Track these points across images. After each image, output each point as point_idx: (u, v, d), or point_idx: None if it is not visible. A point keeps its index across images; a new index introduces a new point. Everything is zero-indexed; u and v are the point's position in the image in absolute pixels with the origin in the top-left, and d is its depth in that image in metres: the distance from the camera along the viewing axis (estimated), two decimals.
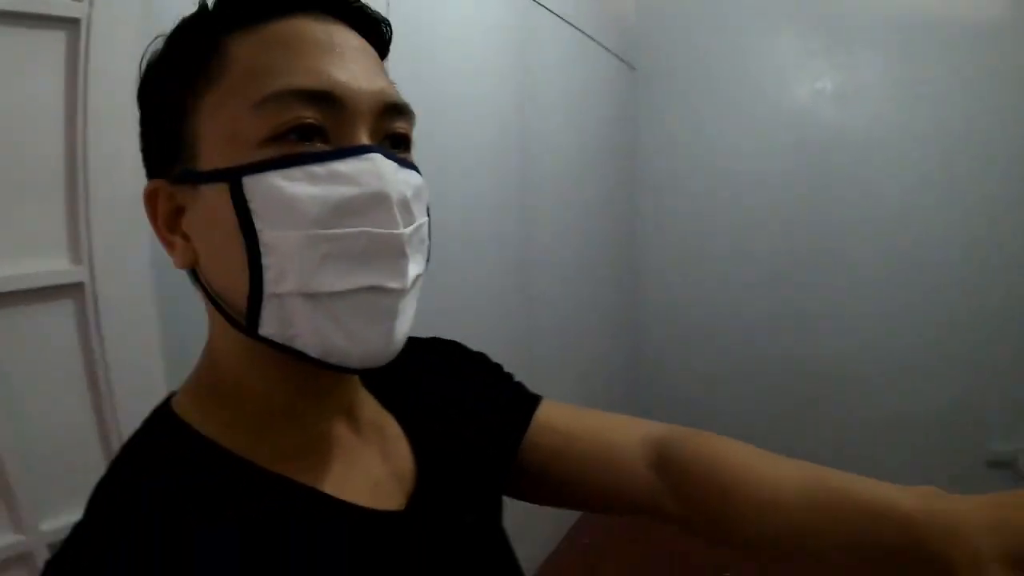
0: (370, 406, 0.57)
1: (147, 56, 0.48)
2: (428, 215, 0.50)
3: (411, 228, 0.45)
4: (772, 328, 2.92)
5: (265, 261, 0.41)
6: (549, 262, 2.19)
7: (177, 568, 0.39)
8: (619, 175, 2.81)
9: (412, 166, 0.48)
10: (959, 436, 2.59)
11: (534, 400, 0.68)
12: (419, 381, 0.60)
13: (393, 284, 0.43)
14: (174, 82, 0.45)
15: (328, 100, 0.43)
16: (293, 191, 0.41)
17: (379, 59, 0.49)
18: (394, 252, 0.43)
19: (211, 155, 0.44)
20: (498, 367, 0.72)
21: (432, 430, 0.59)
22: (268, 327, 0.43)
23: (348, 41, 0.46)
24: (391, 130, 0.47)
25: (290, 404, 0.49)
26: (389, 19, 0.52)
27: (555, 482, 0.65)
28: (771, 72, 2.79)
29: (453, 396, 0.64)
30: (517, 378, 0.72)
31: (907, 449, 2.65)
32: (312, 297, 0.42)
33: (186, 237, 0.46)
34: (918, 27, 2.52)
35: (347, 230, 0.42)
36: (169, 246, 0.47)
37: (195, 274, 0.47)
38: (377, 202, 0.42)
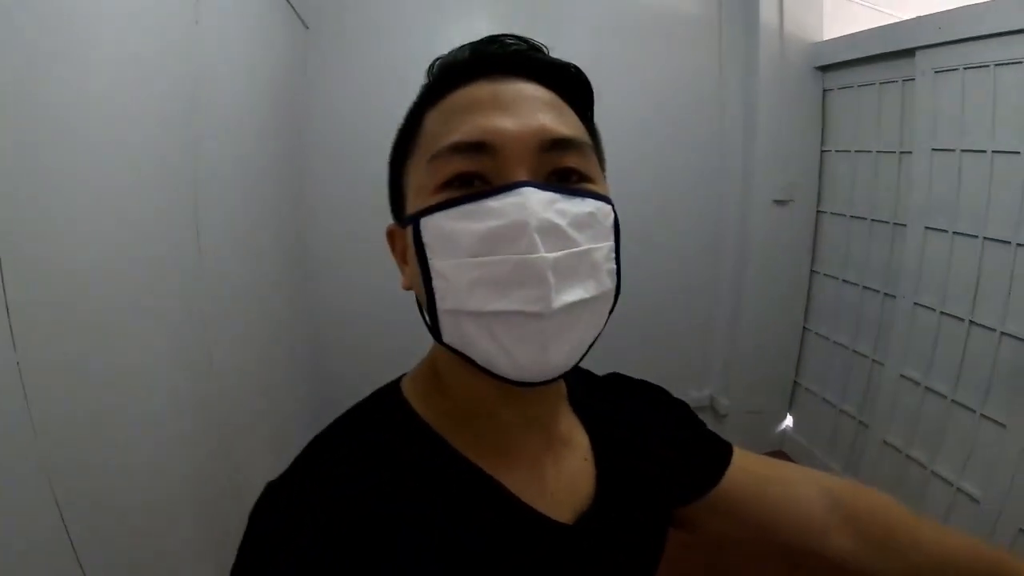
0: (568, 423, 0.66)
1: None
2: (616, 239, 0.55)
3: (561, 253, 0.49)
4: None
5: (435, 284, 0.50)
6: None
7: (380, 518, 0.49)
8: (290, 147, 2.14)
9: (583, 194, 0.52)
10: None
11: (729, 447, 0.78)
12: (620, 414, 0.68)
13: (534, 308, 0.48)
14: (398, 152, 0.60)
15: (481, 148, 0.51)
16: (452, 227, 0.49)
17: (555, 100, 0.55)
18: (535, 277, 0.47)
19: (410, 204, 0.55)
20: (695, 417, 0.80)
21: (618, 461, 0.66)
22: (448, 336, 0.52)
23: (516, 92, 0.53)
24: (557, 165, 0.53)
25: (489, 407, 0.57)
26: (573, 63, 0.59)
27: (744, 519, 0.75)
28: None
29: (647, 435, 0.71)
30: None
31: None
32: (472, 315, 0.49)
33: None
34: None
35: (494, 257, 0.48)
36: (402, 272, 0.59)
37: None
38: (518, 230, 0.47)
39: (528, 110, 0.52)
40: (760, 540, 0.76)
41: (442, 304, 0.50)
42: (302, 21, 2.19)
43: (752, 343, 2.84)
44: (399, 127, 0.60)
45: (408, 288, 0.58)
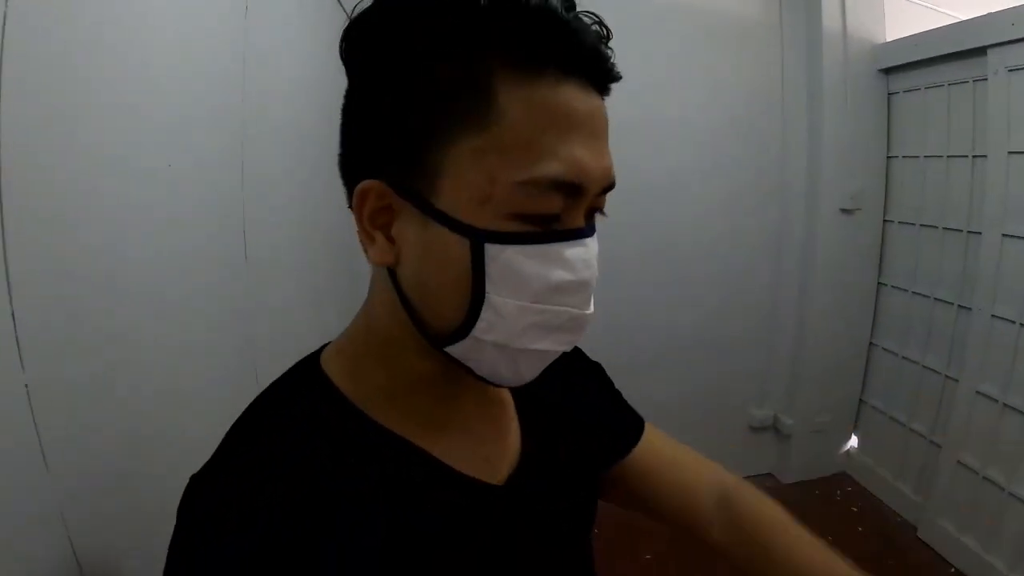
0: (496, 388, 0.63)
1: (376, 29, 0.48)
2: None
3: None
4: None
5: (483, 315, 0.47)
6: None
7: (308, 500, 0.46)
8: None
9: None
10: (723, 410, 2.83)
11: (641, 423, 0.80)
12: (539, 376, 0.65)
13: (565, 349, 0.51)
14: (429, 99, 0.45)
15: (576, 190, 0.47)
16: (524, 267, 0.46)
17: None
18: (581, 329, 0.50)
19: (454, 200, 0.46)
20: (610, 382, 0.81)
21: (541, 420, 0.66)
22: (455, 351, 0.50)
23: (600, 118, 0.49)
24: (598, 205, 0.51)
25: (433, 378, 0.55)
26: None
27: (640, 495, 0.78)
28: None
29: (566, 395, 0.72)
30: None
31: (680, 432, 2.71)
32: (504, 347, 0.49)
33: (390, 239, 0.50)
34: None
35: (555, 308, 0.48)
36: (368, 239, 0.50)
37: (389, 269, 0.51)
38: (582, 288, 0.49)
39: (605, 145, 0.49)
40: (646, 517, 0.80)
41: (483, 335, 0.48)
42: (346, 12, 2.22)
43: (816, 359, 2.71)
44: (418, 36, 0.46)
45: (383, 265, 0.51)
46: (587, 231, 0.49)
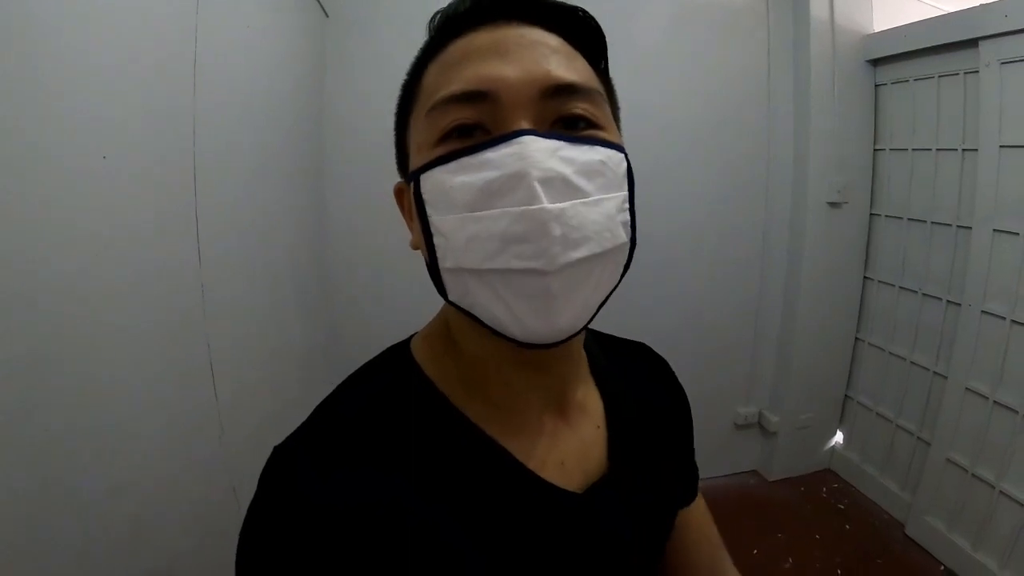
0: (585, 388, 0.63)
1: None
2: (631, 189, 0.53)
3: (567, 204, 0.45)
4: None
5: (436, 241, 0.48)
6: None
7: (388, 487, 0.48)
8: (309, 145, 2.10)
9: (590, 141, 0.49)
10: (708, 407, 2.77)
11: (697, 480, 0.78)
12: (639, 391, 0.66)
13: (535, 264, 0.45)
14: (402, 109, 0.57)
15: (481, 97, 0.47)
16: (451, 181, 0.47)
17: (563, 46, 0.51)
18: (537, 230, 0.44)
19: (413, 161, 0.53)
20: (692, 435, 0.78)
21: (631, 429, 0.64)
22: (452, 294, 0.50)
23: (519, 38, 0.49)
24: (563, 112, 0.49)
25: (500, 371, 0.56)
26: (581, 7, 0.53)
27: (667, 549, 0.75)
28: None
29: (659, 408, 0.71)
30: None
31: None
32: (473, 273, 0.47)
33: None
34: None
35: (490, 211, 0.45)
36: (411, 231, 0.56)
37: None
38: (517, 180, 0.44)
39: (531, 56, 0.49)
40: None
41: (443, 262, 0.49)
42: (323, 9, 2.13)
43: (802, 354, 2.68)
44: (403, 83, 0.57)
45: (416, 247, 0.54)
46: (521, 132, 0.46)
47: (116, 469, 0.85)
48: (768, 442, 2.78)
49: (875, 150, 2.54)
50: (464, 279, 0.48)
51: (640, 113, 2.45)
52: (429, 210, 0.48)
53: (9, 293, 0.68)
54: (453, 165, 0.47)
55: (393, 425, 0.51)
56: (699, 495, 0.78)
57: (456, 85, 0.48)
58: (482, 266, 0.46)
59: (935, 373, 2.27)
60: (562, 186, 0.45)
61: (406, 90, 0.56)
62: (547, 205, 0.44)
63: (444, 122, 0.48)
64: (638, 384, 0.70)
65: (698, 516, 0.77)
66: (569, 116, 0.49)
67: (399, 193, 0.58)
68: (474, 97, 0.48)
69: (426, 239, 0.49)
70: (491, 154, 0.46)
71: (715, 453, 2.80)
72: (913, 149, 2.35)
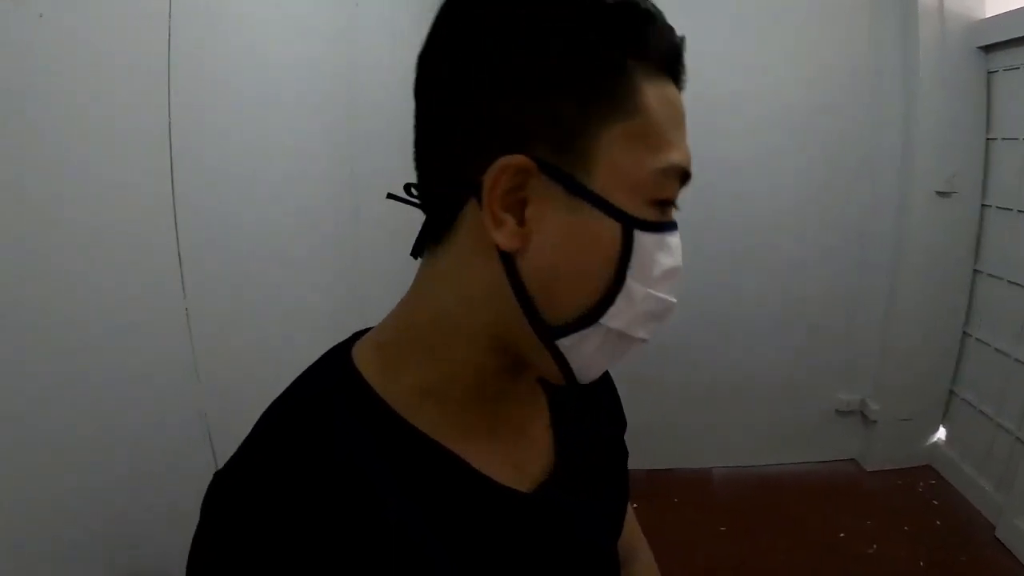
0: (532, 388, 0.64)
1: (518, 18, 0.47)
2: None
3: None
4: None
5: (616, 300, 0.48)
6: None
7: (339, 504, 0.45)
8: None
9: None
10: (809, 391, 2.82)
11: (627, 494, 0.77)
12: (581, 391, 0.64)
13: (648, 337, 0.52)
14: (585, 86, 0.46)
15: (687, 178, 0.51)
16: (655, 254, 0.48)
17: None
18: (668, 319, 0.52)
19: (607, 184, 0.47)
20: (625, 445, 0.78)
21: (573, 425, 0.65)
22: (565, 342, 0.50)
23: None
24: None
25: (485, 376, 0.54)
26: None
27: None
28: None
29: (595, 402, 0.72)
30: None
31: (762, 410, 2.84)
32: (619, 335, 0.50)
33: (521, 222, 0.47)
34: None
35: (664, 296, 0.50)
36: (496, 221, 0.47)
37: (504, 256, 0.48)
38: (678, 273, 0.51)
39: None
40: None
41: (608, 321, 0.49)
42: None
43: (906, 345, 2.65)
44: (560, 27, 0.46)
45: (513, 250, 0.48)
46: (676, 226, 0.51)
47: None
48: (869, 431, 2.78)
49: (987, 139, 2.43)
50: (600, 338, 0.50)
51: (742, 100, 2.56)
52: (629, 272, 0.48)
53: None
54: (658, 237, 0.49)
55: (341, 445, 0.48)
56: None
57: (684, 159, 0.49)
58: (636, 335, 0.50)
59: None
60: None
61: (601, 76, 0.46)
62: (675, 300, 0.51)
63: (669, 190, 0.49)
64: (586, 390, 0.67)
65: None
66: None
67: (502, 173, 0.46)
68: (686, 179, 0.50)
69: (607, 294, 0.48)
70: (672, 240, 0.50)
71: (813, 437, 2.84)
72: None
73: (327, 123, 1.40)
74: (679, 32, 0.51)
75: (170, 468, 0.93)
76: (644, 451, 2.83)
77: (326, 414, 0.50)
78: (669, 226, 0.50)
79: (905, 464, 2.72)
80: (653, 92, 0.47)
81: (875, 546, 2.27)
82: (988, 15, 2.34)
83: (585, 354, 0.50)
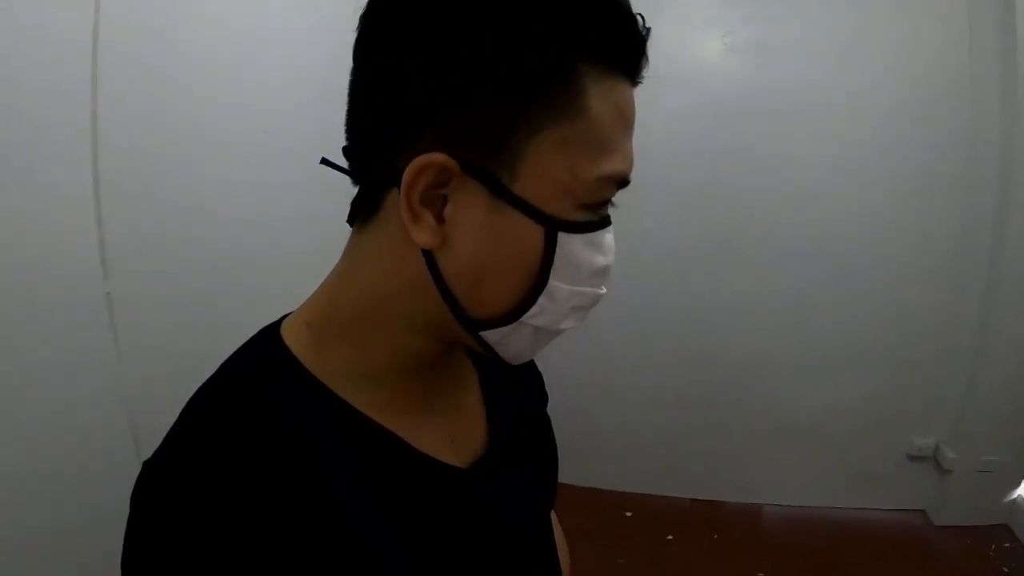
0: (464, 364, 0.65)
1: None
2: None
3: None
4: (667, 320, 2.68)
5: (539, 300, 0.48)
6: None
7: (275, 486, 0.44)
8: None
9: None
10: (879, 430, 2.60)
11: (556, 475, 0.78)
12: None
13: (577, 326, 0.53)
14: (520, 85, 0.44)
15: (626, 184, 0.50)
16: (581, 255, 0.48)
17: None
18: (593, 307, 0.53)
19: (534, 188, 0.45)
20: (549, 422, 0.79)
21: (506, 400, 0.67)
22: (490, 336, 0.51)
23: None
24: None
25: (420, 358, 0.54)
26: None
27: None
28: (675, 22, 2.37)
29: (523, 377, 0.73)
30: None
31: (826, 446, 2.64)
32: (541, 329, 0.51)
33: (440, 219, 0.46)
34: None
35: (590, 290, 0.51)
36: (413, 217, 0.46)
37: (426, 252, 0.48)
38: (609, 271, 0.52)
39: None
40: None
41: (532, 319, 0.49)
42: None
43: (996, 385, 2.39)
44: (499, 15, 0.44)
45: (431, 248, 0.47)
46: (610, 220, 0.51)
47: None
48: (942, 481, 2.55)
49: None
50: (524, 332, 0.51)
51: (821, 102, 2.39)
52: (553, 274, 0.48)
53: None
54: (587, 238, 0.48)
55: (274, 426, 0.47)
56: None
57: (625, 167, 0.48)
58: (557, 327, 0.51)
59: None
60: None
61: (539, 75, 0.44)
62: (604, 291, 0.53)
63: (606, 196, 0.49)
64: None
65: None
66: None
67: (422, 170, 0.44)
68: (624, 184, 0.50)
69: (529, 294, 0.48)
70: (605, 238, 0.50)
71: (881, 484, 2.63)
72: None
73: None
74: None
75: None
76: (691, 479, 2.76)
77: (267, 385, 0.49)
78: (600, 225, 0.49)
79: (979, 521, 2.49)
80: (600, 94, 0.45)
81: None
82: None
83: (512, 345, 0.51)
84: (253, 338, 0.55)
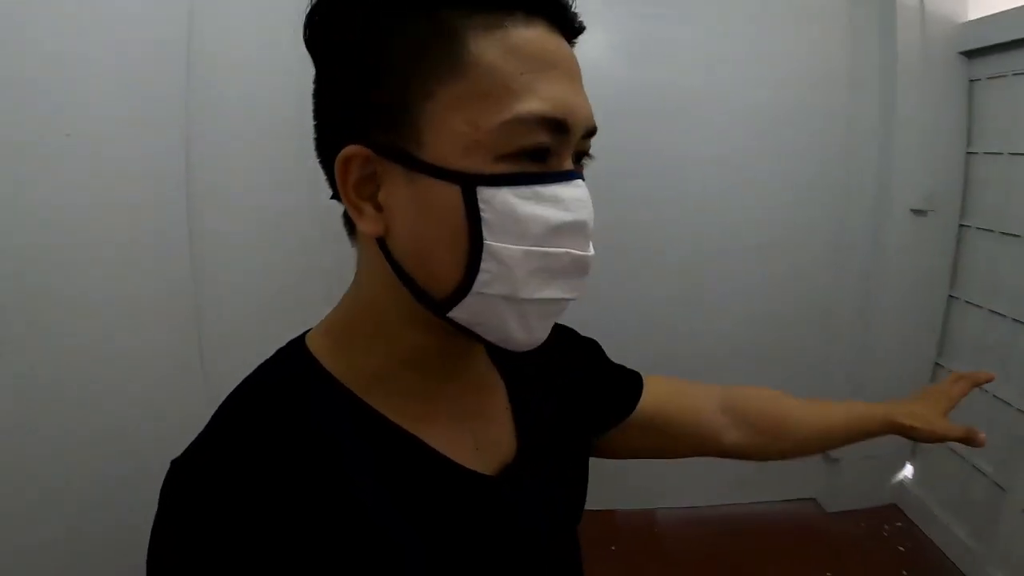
0: (488, 370, 0.64)
1: (338, 6, 0.48)
2: None
3: (593, 252, 0.50)
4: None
5: (484, 266, 0.46)
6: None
7: (301, 488, 0.46)
8: None
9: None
10: None
11: (639, 378, 0.81)
12: (531, 356, 0.61)
13: (572, 295, 0.50)
14: (399, 54, 0.46)
15: (561, 128, 0.47)
16: (523, 209, 0.45)
17: None
18: (583, 272, 0.50)
19: (441, 150, 0.45)
20: (603, 353, 0.82)
21: (535, 406, 0.65)
22: (459, 314, 0.49)
23: (574, 61, 0.50)
24: (582, 149, 0.51)
25: (429, 355, 0.54)
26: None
27: (650, 437, 0.81)
28: None
29: (557, 375, 0.71)
30: None
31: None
32: (516, 301, 0.47)
33: (379, 207, 0.49)
34: None
35: (555, 249, 0.47)
36: (356, 211, 0.49)
37: (379, 241, 0.50)
38: (580, 228, 0.48)
39: (582, 88, 0.50)
40: (666, 452, 0.84)
41: (485, 288, 0.47)
42: None
43: (876, 375, 2.43)
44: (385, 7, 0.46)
45: (378, 235, 0.49)
46: (578, 174, 0.49)
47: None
48: (830, 469, 2.55)
49: (967, 153, 2.24)
50: (495, 304, 0.48)
51: (705, 105, 2.31)
52: (487, 232, 0.45)
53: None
54: (526, 191, 0.46)
55: (303, 429, 0.49)
56: (645, 380, 0.81)
57: (547, 105, 0.46)
58: (532, 296, 0.48)
59: (1018, 411, 1.99)
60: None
61: (410, 27, 0.46)
62: (592, 253, 0.50)
63: (527, 141, 0.45)
64: (535, 355, 0.64)
65: (651, 398, 0.80)
66: (583, 154, 0.52)
67: (348, 162, 0.48)
68: (558, 126, 0.46)
69: (470, 261, 0.46)
70: (562, 191, 0.47)
71: (771, 476, 2.57)
72: (1011, 154, 2.05)
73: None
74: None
75: None
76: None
77: (296, 390, 0.51)
78: (546, 177, 0.47)
79: (869, 504, 2.50)
80: (489, 43, 0.45)
81: None
82: (971, 18, 2.15)
83: (494, 323, 0.49)
84: (281, 350, 0.57)
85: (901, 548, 2.26)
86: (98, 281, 0.95)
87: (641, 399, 0.79)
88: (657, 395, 0.81)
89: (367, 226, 0.49)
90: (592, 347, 0.82)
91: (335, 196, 0.52)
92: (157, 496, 0.47)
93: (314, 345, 0.55)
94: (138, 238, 1.03)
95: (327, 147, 0.50)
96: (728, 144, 2.33)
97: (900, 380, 2.41)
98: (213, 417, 0.52)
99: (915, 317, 2.38)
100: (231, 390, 0.54)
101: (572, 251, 0.48)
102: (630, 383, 0.81)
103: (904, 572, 2.14)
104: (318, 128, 0.52)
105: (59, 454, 0.88)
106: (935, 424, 0.84)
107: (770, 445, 0.85)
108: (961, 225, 2.30)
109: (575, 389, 0.73)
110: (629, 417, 0.78)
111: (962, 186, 2.27)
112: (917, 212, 2.29)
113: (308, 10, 0.49)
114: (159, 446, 0.99)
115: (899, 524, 2.40)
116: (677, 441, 0.83)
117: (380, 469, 0.50)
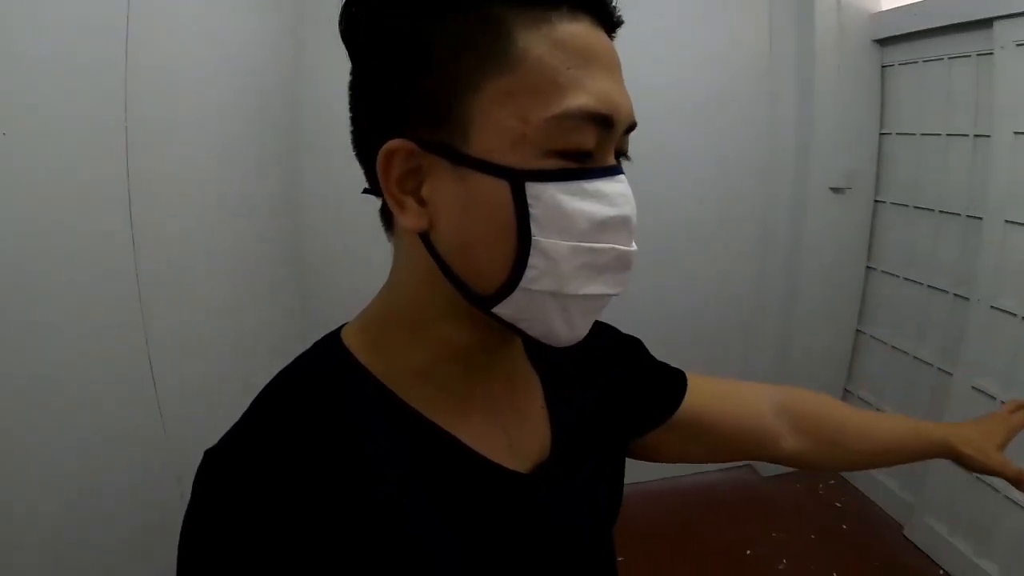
0: (524, 368, 0.63)
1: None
2: None
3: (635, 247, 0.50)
4: None
5: (532, 262, 0.46)
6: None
7: (334, 482, 0.46)
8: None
9: None
10: None
11: (683, 376, 0.78)
12: (568, 353, 0.59)
13: (617, 292, 0.50)
14: (446, 48, 0.45)
15: (607, 123, 0.46)
16: (568, 205, 0.45)
17: None
18: (626, 267, 0.49)
19: (488, 145, 0.45)
20: (646, 351, 0.80)
21: (572, 404, 0.64)
22: (504, 309, 0.48)
23: (616, 56, 0.49)
24: (622, 147, 0.50)
25: (468, 350, 0.53)
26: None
27: (699, 439, 0.78)
28: None
29: (597, 375, 0.70)
30: None
31: None
32: (562, 296, 0.47)
33: (422, 202, 0.48)
34: None
35: (601, 245, 0.47)
36: (399, 205, 0.48)
37: (422, 236, 0.49)
38: (624, 223, 0.48)
39: (622, 81, 0.49)
40: (719, 455, 0.81)
41: (533, 284, 0.46)
42: None
43: (801, 344, 2.59)
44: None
45: (421, 230, 0.48)
46: (620, 169, 0.49)
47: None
48: None
49: (881, 134, 2.43)
50: (541, 300, 0.47)
51: (634, 92, 2.31)
52: (535, 228, 0.45)
53: None
54: (572, 186, 0.45)
55: (336, 424, 0.49)
56: (689, 381, 0.78)
57: (596, 102, 0.45)
58: (577, 292, 0.47)
59: (940, 370, 2.18)
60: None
61: (460, 21, 0.45)
62: (635, 249, 0.49)
63: (573, 138, 0.45)
64: (572, 350, 0.62)
65: (698, 399, 0.77)
66: (623, 152, 0.51)
67: (390, 158, 0.47)
68: (605, 123, 0.46)
69: (519, 256, 0.46)
70: (605, 187, 0.47)
71: None
72: (921, 134, 2.24)
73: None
74: None
75: None
76: None
77: (332, 385, 0.51)
78: (591, 173, 0.47)
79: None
80: (536, 37, 0.45)
81: (785, 560, 2.16)
82: (884, 8, 2.32)
83: (538, 319, 0.49)
84: (316, 344, 0.56)
85: (838, 504, 2.43)
86: (42, 284, 0.86)
87: (685, 399, 0.77)
88: (702, 395, 0.78)
89: (410, 221, 0.48)
90: (634, 345, 0.80)
91: (369, 190, 0.52)
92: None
93: (350, 341, 0.54)
94: (80, 240, 0.93)
95: (366, 141, 0.50)
96: (649, 138, 2.34)
97: (824, 344, 2.59)
98: (248, 409, 0.52)
99: (836, 287, 2.56)
100: (268, 381, 0.54)
101: (617, 246, 0.48)
102: (673, 382, 0.78)
103: (844, 526, 2.30)
104: (355, 121, 0.51)
105: None
106: (991, 457, 0.82)
107: (827, 455, 0.83)
108: (876, 201, 2.49)
109: (615, 387, 0.72)
110: (673, 417, 0.76)
111: (876, 165, 2.46)
112: (836, 190, 2.45)
113: (344, 1, 0.49)
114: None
115: (832, 481, 2.57)
116: (729, 444, 0.81)
117: (417, 466, 0.50)
